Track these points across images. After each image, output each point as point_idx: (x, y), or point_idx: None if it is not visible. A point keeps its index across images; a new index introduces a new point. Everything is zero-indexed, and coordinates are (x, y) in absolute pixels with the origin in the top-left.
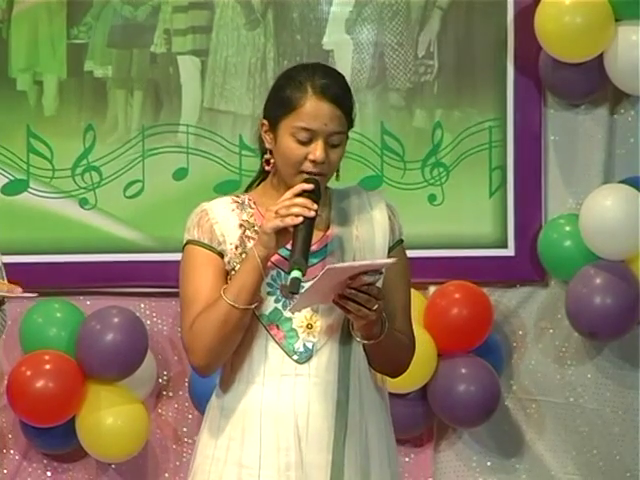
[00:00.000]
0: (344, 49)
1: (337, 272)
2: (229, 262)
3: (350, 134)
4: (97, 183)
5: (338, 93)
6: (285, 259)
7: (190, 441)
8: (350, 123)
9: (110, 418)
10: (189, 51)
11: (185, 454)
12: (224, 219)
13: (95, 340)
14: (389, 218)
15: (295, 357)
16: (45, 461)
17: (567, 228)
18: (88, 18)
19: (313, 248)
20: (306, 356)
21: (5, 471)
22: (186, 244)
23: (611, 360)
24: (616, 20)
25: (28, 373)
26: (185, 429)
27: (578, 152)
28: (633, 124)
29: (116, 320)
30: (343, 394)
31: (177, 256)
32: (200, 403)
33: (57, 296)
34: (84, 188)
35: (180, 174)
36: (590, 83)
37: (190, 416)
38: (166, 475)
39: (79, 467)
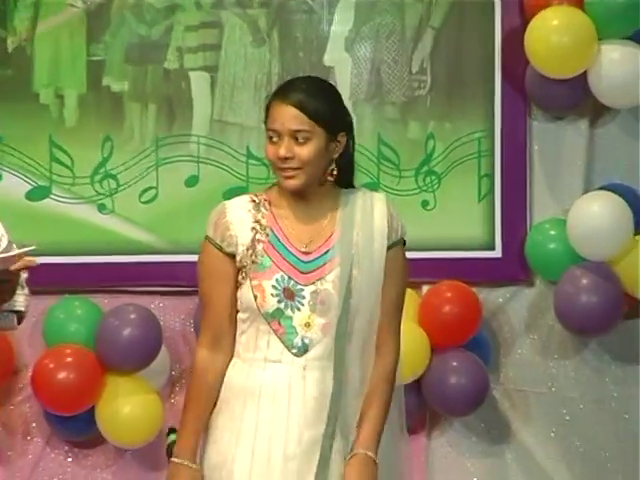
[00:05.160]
0: (343, 66)
1: None
2: (240, 260)
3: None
4: (114, 190)
5: (299, 97)
6: (291, 265)
7: None
8: (325, 124)
9: (127, 407)
10: (200, 67)
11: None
12: (239, 221)
13: (113, 335)
14: (388, 220)
15: (294, 350)
16: (66, 447)
17: (552, 232)
18: (106, 37)
19: (316, 252)
20: (304, 350)
21: (30, 456)
22: (206, 238)
23: (592, 354)
24: (599, 39)
25: (51, 365)
26: None
27: (561, 161)
28: (612, 135)
29: (132, 316)
30: (337, 383)
31: (188, 257)
32: None
33: (77, 294)
34: (102, 194)
35: (191, 181)
36: (573, 97)
37: None
38: None
39: (98, 453)
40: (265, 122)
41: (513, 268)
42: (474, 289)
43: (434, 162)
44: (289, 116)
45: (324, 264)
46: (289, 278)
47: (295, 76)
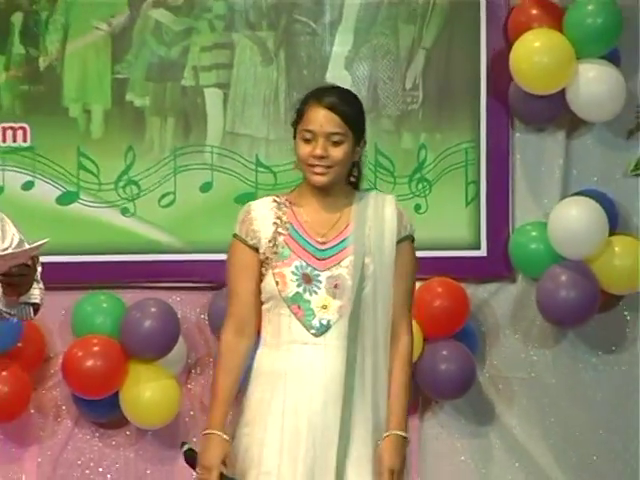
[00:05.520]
0: (344, 82)
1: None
2: (263, 253)
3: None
4: (136, 195)
5: (334, 101)
6: (309, 253)
7: None
8: (355, 129)
9: (148, 392)
10: (213, 84)
11: None
12: (262, 217)
13: (135, 326)
14: (397, 217)
15: (313, 331)
16: (93, 428)
17: (533, 233)
18: (129, 56)
19: (332, 242)
20: (322, 330)
21: (60, 436)
22: (233, 236)
23: (569, 343)
24: (577, 59)
25: (79, 354)
26: None
27: (541, 169)
28: (587, 146)
29: (153, 310)
30: (351, 358)
31: (203, 256)
32: None
33: (103, 289)
34: (125, 199)
35: (206, 187)
36: (553, 111)
37: None
38: (194, 440)
39: (121, 433)
40: (296, 123)
41: (497, 266)
42: (462, 285)
43: (426, 170)
44: (326, 119)
45: (339, 252)
46: (307, 264)
47: (300, 92)
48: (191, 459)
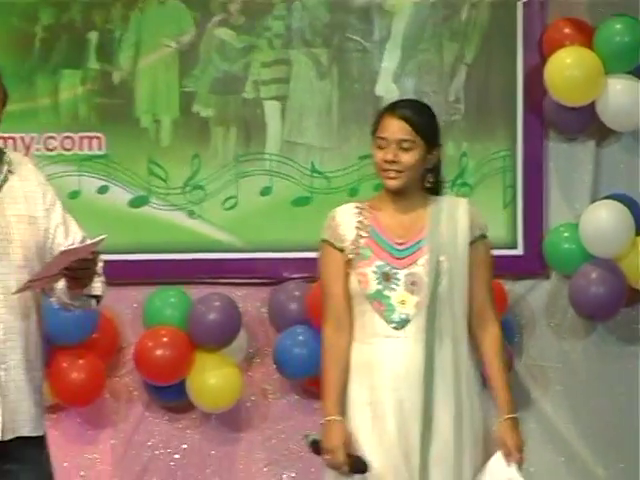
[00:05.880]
0: (392, 95)
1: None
2: (348, 254)
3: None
4: (201, 198)
5: (405, 111)
6: (388, 253)
7: (273, 398)
8: (424, 137)
9: (212, 379)
10: (272, 97)
11: (271, 407)
12: (345, 222)
13: (201, 319)
14: (470, 218)
15: (393, 325)
16: (162, 412)
17: (566, 234)
18: (195, 71)
19: (409, 242)
20: (401, 324)
21: (132, 420)
22: (321, 241)
23: (598, 335)
24: (605, 74)
25: (150, 344)
26: (270, 387)
27: (572, 175)
28: (616, 154)
29: (217, 304)
30: (430, 349)
31: (262, 254)
32: (282, 368)
33: (171, 285)
34: (191, 202)
35: (265, 192)
36: (583, 122)
37: (274, 377)
38: (254, 422)
39: (188, 417)
40: (374, 131)
41: (533, 264)
42: (500, 281)
43: (467, 175)
44: (397, 127)
45: (416, 252)
46: (387, 264)
47: (352, 104)
48: (316, 447)
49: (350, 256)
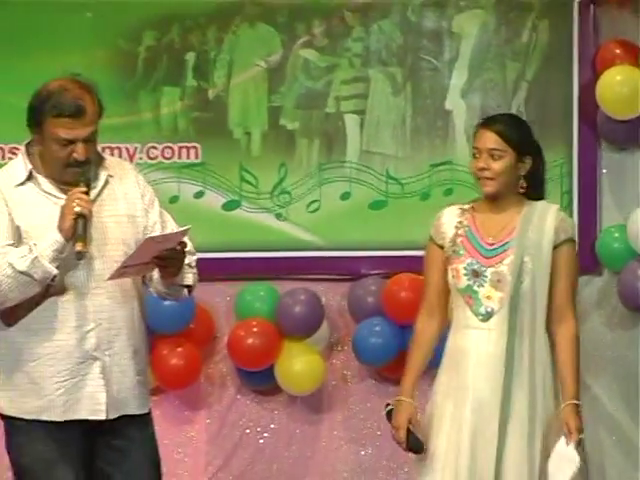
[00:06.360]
0: (460, 109)
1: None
2: (446, 251)
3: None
4: (288, 202)
5: (496, 124)
6: (478, 252)
7: (352, 382)
8: (514, 146)
9: (298, 365)
10: (352, 111)
11: (350, 391)
12: (448, 222)
13: (288, 311)
14: (558, 223)
15: (480, 317)
16: (252, 395)
17: (616, 234)
18: (282, 88)
19: (499, 243)
20: (487, 317)
21: (225, 402)
22: (429, 239)
23: None
24: None
25: (242, 334)
26: (349, 373)
27: (622, 181)
28: None
29: (302, 297)
30: (510, 341)
31: (342, 253)
32: (360, 355)
33: (261, 280)
34: (279, 206)
35: (345, 196)
36: (632, 133)
37: (353, 364)
38: (335, 404)
39: (276, 399)
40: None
41: (586, 261)
42: None
43: None
44: (488, 137)
45: (503, 252)
46: (476, 262)
47: (423, 118)
48: (390, 417)
49: (448, 253)
